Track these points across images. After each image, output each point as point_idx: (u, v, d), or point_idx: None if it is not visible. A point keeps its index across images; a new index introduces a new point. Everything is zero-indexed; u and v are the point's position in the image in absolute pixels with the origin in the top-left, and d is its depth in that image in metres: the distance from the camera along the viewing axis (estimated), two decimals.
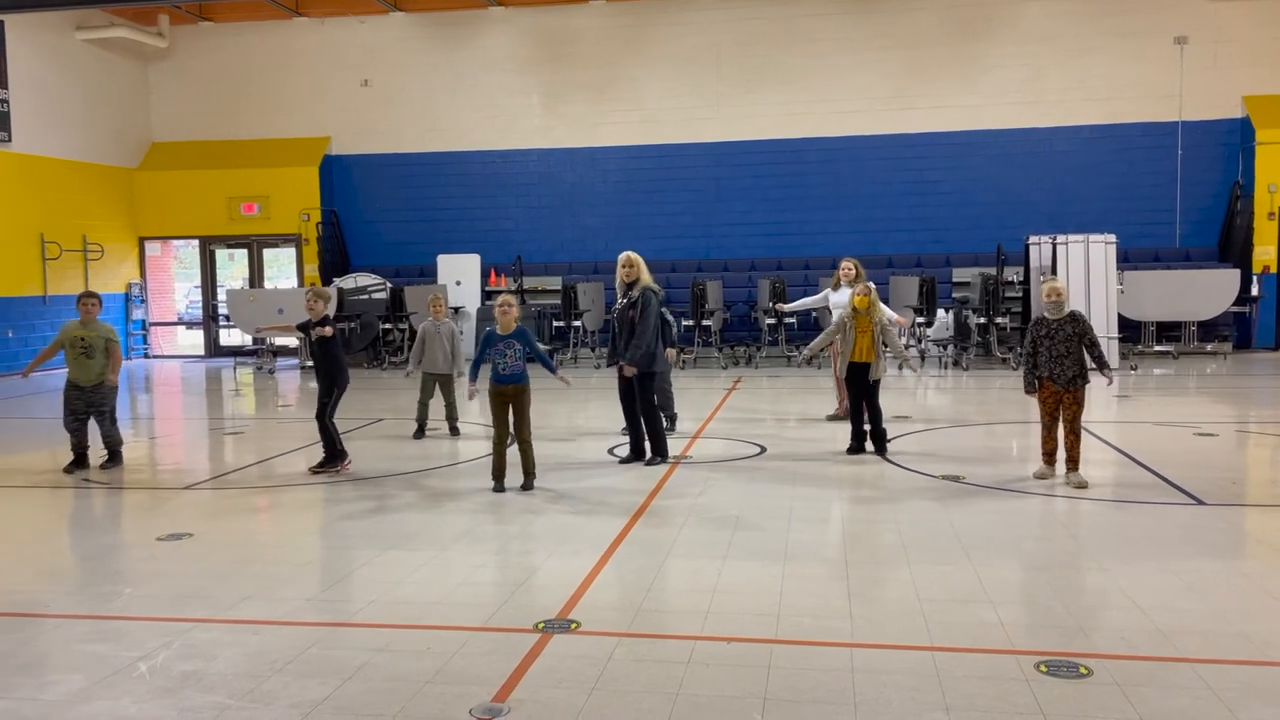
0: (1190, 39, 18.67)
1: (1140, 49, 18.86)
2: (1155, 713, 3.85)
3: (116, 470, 9.03)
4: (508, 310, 7.96)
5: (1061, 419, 7.72)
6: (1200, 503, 7.14)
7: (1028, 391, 7.88)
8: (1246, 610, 4.96)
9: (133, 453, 10.18)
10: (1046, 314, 7.78)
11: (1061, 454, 7.79)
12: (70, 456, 9.07)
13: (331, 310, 9.21)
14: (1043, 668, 4.27)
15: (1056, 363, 7.66)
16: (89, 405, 9.05)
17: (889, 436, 9.18)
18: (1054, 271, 15.95)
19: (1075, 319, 7.72)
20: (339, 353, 8.65)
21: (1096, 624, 4.78)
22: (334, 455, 8.64)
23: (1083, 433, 7.79)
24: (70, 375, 9.03)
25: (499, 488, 7.78)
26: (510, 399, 7.90)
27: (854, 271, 10.79)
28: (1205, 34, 18.65)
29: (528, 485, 7.84)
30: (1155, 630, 4.69)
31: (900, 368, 9.27)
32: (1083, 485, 7.57)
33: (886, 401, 9.90)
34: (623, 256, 8.85)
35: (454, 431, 10.59)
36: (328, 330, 8.38)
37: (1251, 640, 4.58)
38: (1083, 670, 4.24)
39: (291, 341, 19.64)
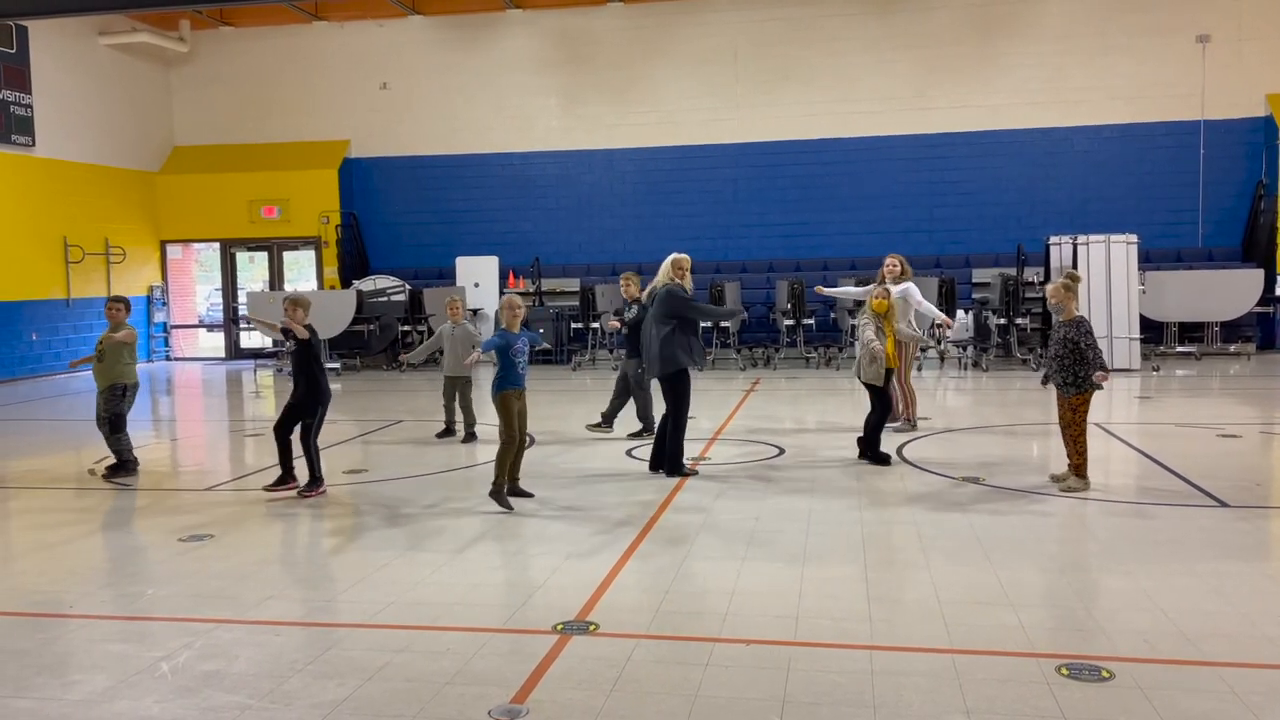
0: (1213, 37, 18.51)
1: (1162, 47, 18.71)
2: (1178, 717, 3.82)
3: (122, 477, 8.78)
4: (519, 311, 7.61)
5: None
6: (1224, 505, 7.07)
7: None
8: (1271, 613, 4.91)
9: (154, 454, 10.26)
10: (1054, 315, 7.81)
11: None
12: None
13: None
14: (1064, 671, 4.24)
15: (1049, 364, 7.63)
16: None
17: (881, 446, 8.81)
18: (1074, 269, 15.84)
19: (1073, 324, 7.46)
20: (319, 363, 8.01)
21: (1119, 627, 4.75)
22: (317, 478, 7.93)
23: (1084, 438, 7.53)
24: None
25: (510, 504, 7.36)
26: (522, 401, 7.56)
27: (899, 268, 10.22)
28: (1228, 32, 18.49)
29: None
30: (1178, 633, 4.65)
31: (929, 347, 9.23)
32: (1069, 490, 7.47)
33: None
34: (687, 259, 8.60)
35: (469, 437, 10.27)
36: (303, 332, 7.81)
37: (1276, 644, 4.53)
38: (1105, 674, 4.20)
39: None
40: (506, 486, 7.40)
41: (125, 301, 9.10)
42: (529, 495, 7.62)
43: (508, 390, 7.41)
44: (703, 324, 8.76)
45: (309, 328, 7.92)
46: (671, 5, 20.18)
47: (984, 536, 6.33)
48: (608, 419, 10.33)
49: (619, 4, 20.28)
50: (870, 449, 8.69)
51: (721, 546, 6.25)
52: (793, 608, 5.09)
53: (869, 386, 8.77)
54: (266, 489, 7.98)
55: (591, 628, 4.86)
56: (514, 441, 7.41)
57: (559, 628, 4.86)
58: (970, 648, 4.54)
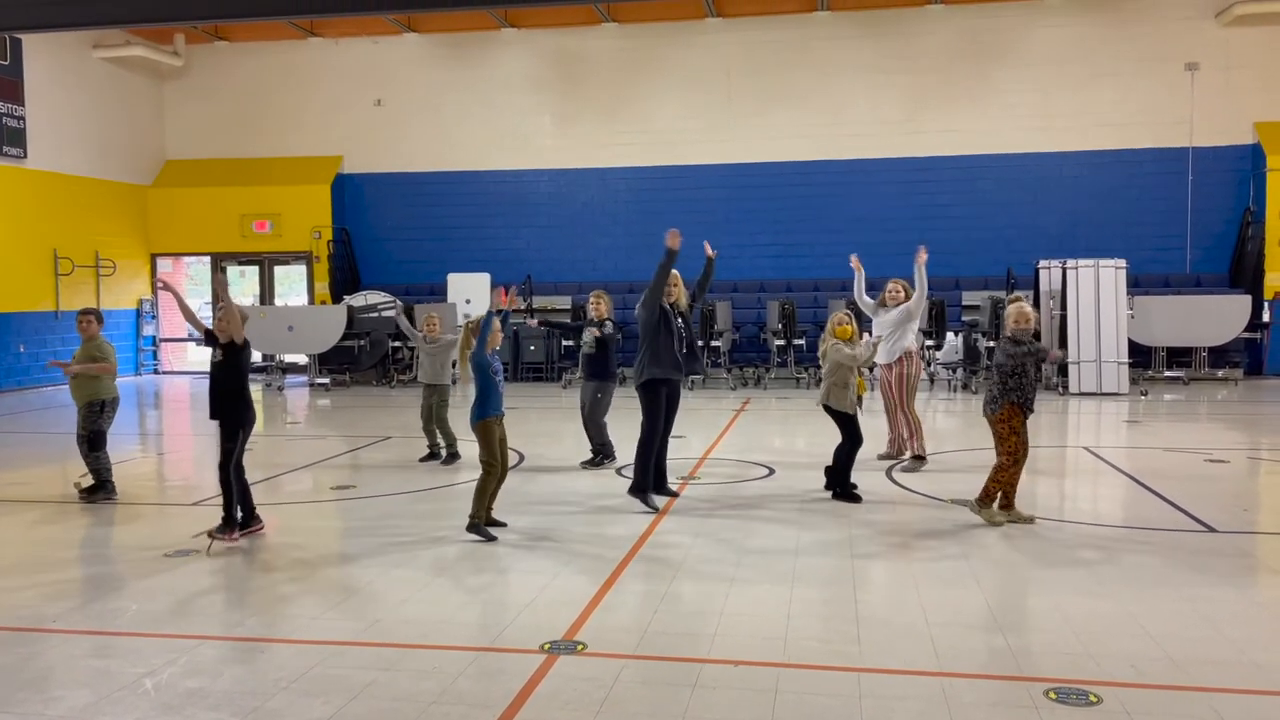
0: (1201, 65, 18.69)
1: (1151, 75, 18.88)
2: None
3: (99, 499, 8.37)
4: (498, 332, 7.16)
5: (1006, 450, 7.11)
6: (1212, 530, 7.08)
7: (1003, 412, 7.09)
8: (1259, 639, 4.92)
9: (140, 468, 10.21)
10: (1020, 338, 7.07)
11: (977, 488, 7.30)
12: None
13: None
14: (1052, 695, 4.23)
15: (1032, 388, 7.11)
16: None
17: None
18: (1064, 296, 15.92)
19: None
20: (244, 383, 7.07)
21: (1107, 651, 4.74)
22: (231, 519, 6.94)
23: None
24: None
25: (492, 534, 6.99)
26: (502, 428, 7.18)
27: (902, 294, 9.47)
28: (1216, 60, 18.67)
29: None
30: (1166, 658, 4.65)
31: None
32: (1000, 523, 7.13)
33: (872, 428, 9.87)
34: (675, 276, 8.32)
35: (452, 457, 9.93)
36: (227, 335, 6.90)
37: (1264, 669, 4.53)
38: (1092, 698, 4.20)
39: (301, 359, 19.67)
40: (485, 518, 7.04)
41: (97, 314, 8.65)
42: (502, 525, 7.18)
43: (489, 417, 7.03)
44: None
45: (232, 344, 7.01)
46: (665, 26, 20.30)
47: (972, 559, 6.32)
48: (607, 455, 9.78)
49: (613, 24, 20.39)
50: (840, 484, 8.13)
51: (710, 567, 6.23)
52: (781, 629, 5.07)
53: (838, 415, 8.13)
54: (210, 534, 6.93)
55: (579, 648, 4.84)
56: (496, 470, 7.03)
57: (546, 647, 4.83)
58: (959, 671, 4.53)
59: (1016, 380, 7.05)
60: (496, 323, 7.15)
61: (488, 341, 7.08)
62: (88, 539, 7.36)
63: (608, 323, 9.71)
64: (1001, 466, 7.10)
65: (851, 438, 8.13)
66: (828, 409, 8.21)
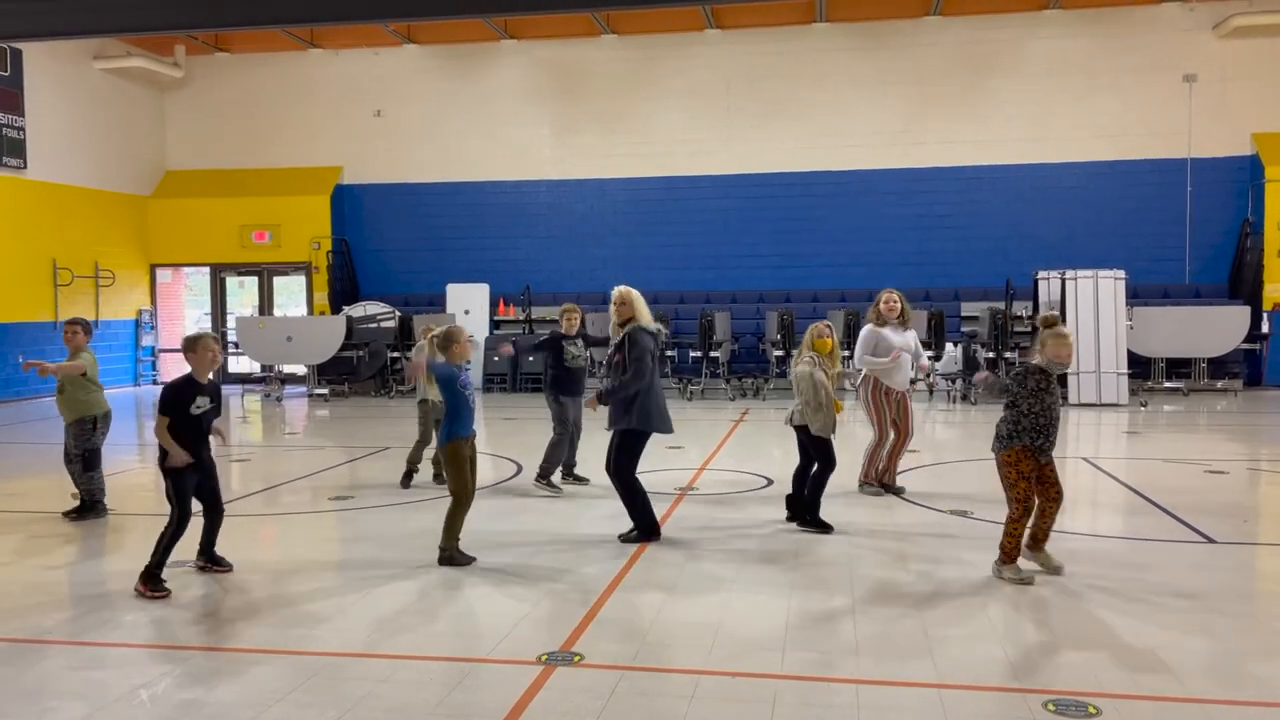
0: (1199, 77, 18.74)
1: (1149, 86, 18.93)
2: None
3: (90, 519, 8.02)
4: (467, 344, 6.69)
5: (1049, 496, 6.21)
6: (1211, 541, 7.07)
7: (984, 390, 6.35)
8: (1258, 650, 4.90)
9: (137, 479, 10.18)
10: (1050, 370, 6.10)
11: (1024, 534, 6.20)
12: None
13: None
14: (1051, 706, 4.21)
15: (1054, 426, 6.10)
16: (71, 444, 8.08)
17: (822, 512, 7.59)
18: (1063, 307, 15.93)
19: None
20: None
21: (1105, 662, 4.73)
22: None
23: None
24: None
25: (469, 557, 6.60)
26: (473, 449, 6.69)
27: (900, 307, 8.80)
28: (1214, 72, 18.72)
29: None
30: (1165, 669, 4.63)
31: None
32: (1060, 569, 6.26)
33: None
34: (617, 293, 7.29)
35: (438, 478, 9.37)
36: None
37: (1262, 681, 4.52)
38: (1091, 709, 4.18)
39: (300, 369, 19.67)
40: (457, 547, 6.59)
41: (84, 324, 8.17)
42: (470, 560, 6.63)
43: (459, 439, 6.51)
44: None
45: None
46: (664, 38, 20.36)
47: (971, 569, 6.31)
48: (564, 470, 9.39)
49: (612, 36, 20.45)
50: (811, 512, 7.47)
51: (708, 577, 6.22)
52: (779, 640, 5.06)
53: (813, 439, 7.48)
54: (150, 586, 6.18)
55: (576, 659, 4.82)
56: (466, 500, 6.56)
57: (543, 658, 4.82)
58: (957, 682, 4.51)
59: (1032, 418, 6.03)
60: (465, 334, 6.70)
61: (454, 354, 6.57)
62: (83, 549, 7.34)
63: (578, 340, 9.27)
64: (1012, 518, 6.09)
65: (825, 464, 7.48)
66: (798, 430, 7.59)
